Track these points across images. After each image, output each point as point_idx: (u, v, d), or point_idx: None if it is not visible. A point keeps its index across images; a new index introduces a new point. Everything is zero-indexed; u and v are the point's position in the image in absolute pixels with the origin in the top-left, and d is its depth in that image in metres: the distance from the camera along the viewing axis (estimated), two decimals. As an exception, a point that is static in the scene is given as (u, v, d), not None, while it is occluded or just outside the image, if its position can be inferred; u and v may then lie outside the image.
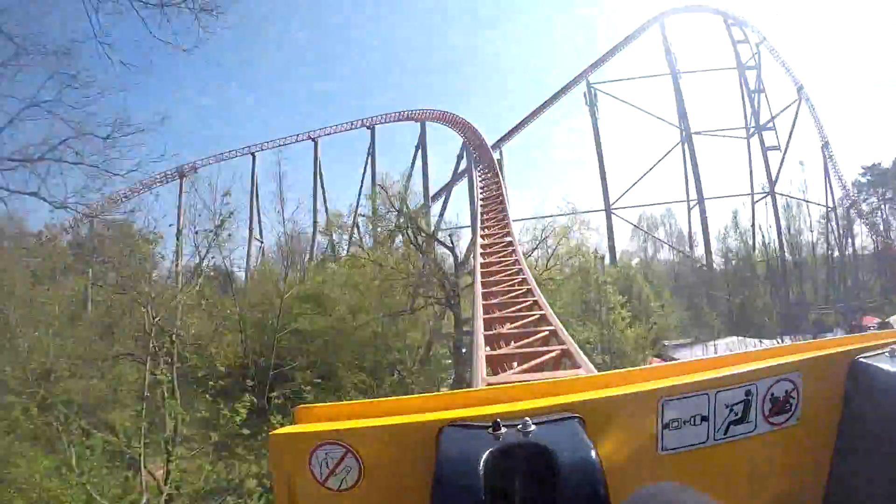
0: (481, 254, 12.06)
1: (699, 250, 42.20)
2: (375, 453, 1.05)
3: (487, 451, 0.88)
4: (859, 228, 41.22)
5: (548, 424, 0.94)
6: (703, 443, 1.09)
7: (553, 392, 1.12)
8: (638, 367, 1.21)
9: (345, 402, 1.18)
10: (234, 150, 40.94)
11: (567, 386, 1.16)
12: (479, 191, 22.55)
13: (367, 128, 42.64)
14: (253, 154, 41.19)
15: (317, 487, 1.05)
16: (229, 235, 19.31)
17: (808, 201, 40.10)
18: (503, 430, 0.92)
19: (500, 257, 11.36)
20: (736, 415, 1.10)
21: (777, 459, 1.16)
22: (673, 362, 1.21)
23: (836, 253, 40.61)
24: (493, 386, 1.77)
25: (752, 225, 40.85)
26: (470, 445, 0.91)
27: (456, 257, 22.74)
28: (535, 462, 0.87)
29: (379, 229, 26.61)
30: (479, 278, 8.95)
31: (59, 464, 10.68)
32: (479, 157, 30.85)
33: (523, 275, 8.82)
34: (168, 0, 8.40)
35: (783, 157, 40.24)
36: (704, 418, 1.08)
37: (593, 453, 0.88)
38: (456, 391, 1.22)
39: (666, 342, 31.86)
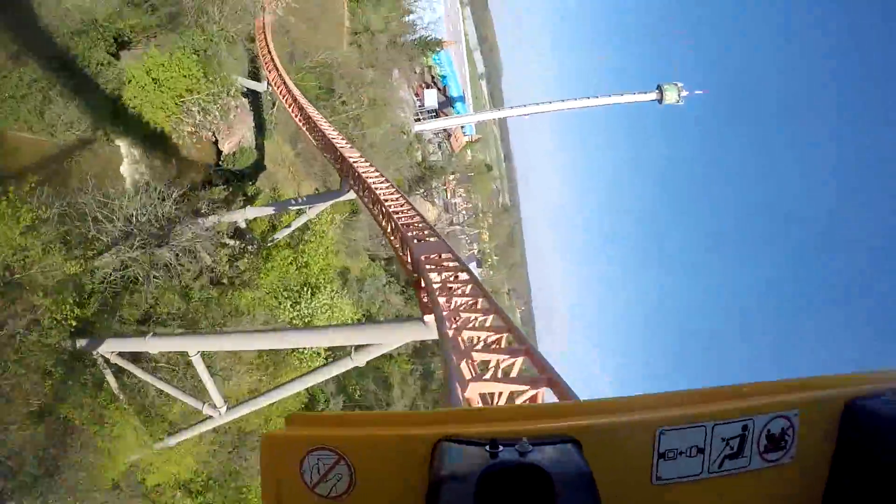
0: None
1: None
2: (368, 462, 1.05)
3: (484, 469, 0.88)
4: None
5: (545, 446, 0.95)
6: (697, 475, 1.09)
7: (551, 414, 1.11)
8: (636, 395, 1.19)
9: (339, 412, 1.50)
10: None
11: (565, 409, 1.16)
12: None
13: None
14: None
15: (306, 492, 1.06)
16: None
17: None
18: (500, 448, 0.92)
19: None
20: (731, 449, 1.11)
21: (769, 497, 1.16)
22: (672, 392, 1.20)
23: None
24: (490, 407, 1.54)
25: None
26: (466, 461, 0.92)
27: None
28: (531, 483, 0.87)
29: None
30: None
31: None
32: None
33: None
34: None
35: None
36: (700, 450, 1.09)
37: (590, 477, 0.89)
38: (453, 409, 1.18)
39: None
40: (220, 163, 32.02)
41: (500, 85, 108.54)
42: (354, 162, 16.86)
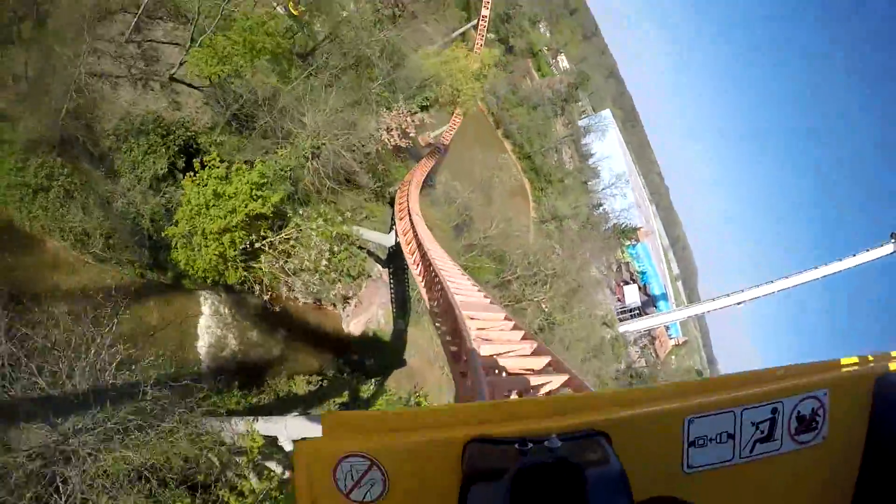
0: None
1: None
2: (401, 467, 1.06)
3: (514, 468, 0.87)
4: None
5: (574, 441, 0.95)
6: (729, 461, 1.09)
7: (578, 407, 1.12)
8: (662, 384, 1.18)
9: (371, 411, 1.17)
10: None
11: (591, 401, 1.16)
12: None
13: None
14: None
15: (341, 499, 1.07)
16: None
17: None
18: (530, 445, 0.92)
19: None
20: (762, 433, 1.10)
21: (803, 478, 1.13)
22: (698, 379, 1.10)
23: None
24: (517, 399, 1.48)
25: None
26: (496, 461, 0.91)
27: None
28: (562, 479, 0.85)
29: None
30: None
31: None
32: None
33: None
34: None
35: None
36: (730, 436, 1.08)
37: (621, 470, 0.87)
38: (481, 403, 1.15)
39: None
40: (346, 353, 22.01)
41: (697, 286, 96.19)
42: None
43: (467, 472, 0.93)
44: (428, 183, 38.79)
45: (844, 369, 1.19)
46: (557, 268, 36.66)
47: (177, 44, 21.15)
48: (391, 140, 29.45)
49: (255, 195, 15.52)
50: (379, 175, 29.50)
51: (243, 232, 16.03)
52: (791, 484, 1.13)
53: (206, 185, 15.25)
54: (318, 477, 1.07)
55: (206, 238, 15.60)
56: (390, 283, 27.63)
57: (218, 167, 15.48)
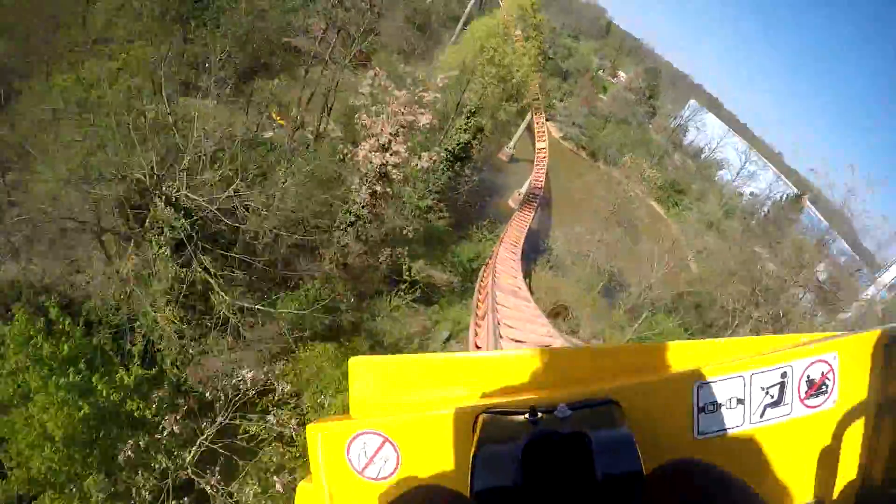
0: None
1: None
2: (413, 442, 1.09)
3: (524, 438, 0.89)
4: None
5: (583, 409, 0.96)
6: (740, 426, 1.10)
7: (587, 372, 1.15)
8: (671, 342, 1.18)
9: (396, 356, 1.20)
10: None
11: (600, 362, 1.17)
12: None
13: None
14: None
15: (354, 477, 1.10)
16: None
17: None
18: (539, 415, 0.94)
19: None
20: (772, 397, 1.10)
21: (814, 443, 1.15)
22: (707, 340, 1.19)
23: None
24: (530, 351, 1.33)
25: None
26: (507, 432, 0.93)
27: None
28: (571, 448, 0.88)
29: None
30: None
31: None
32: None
33: None
34: None
35: None
36: (740, 401, 1.09)
37: (629, 435, 0.89)
38: (496, 354, 1.21)
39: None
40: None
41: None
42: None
43: (478, 445, 0.92)
44: (538, 249, 29.50)
45: (854, 333, 1.15)
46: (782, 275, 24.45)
47: None
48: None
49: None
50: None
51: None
52: (803, 448, 1.13)
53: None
54: (331, 456, 1.10)
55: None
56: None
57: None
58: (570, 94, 57.21)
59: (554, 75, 56.69)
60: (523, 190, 37.46)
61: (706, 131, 67.43)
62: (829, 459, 1.14)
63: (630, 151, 54.37)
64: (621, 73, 71.88)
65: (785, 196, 55.20)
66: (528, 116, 43.59)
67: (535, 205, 33.92)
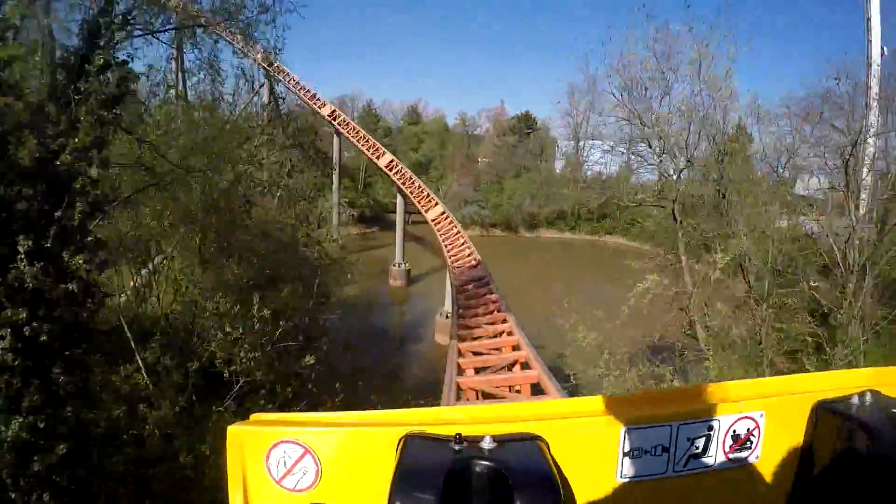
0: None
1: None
2: (335, 456, 1.07)
3: (448, 463, 0.90)
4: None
5: (509, 443, 0.98)
6: (663, 473, 1.11)
7: (518, 416, 1.15)
8: (603, 395, 1.20)
9: (304, 413, 1.19)
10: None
11: (532, 409, 1.20)
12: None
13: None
14: None
15: (272, 486, 1.08)
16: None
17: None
18: (465, 444, 0.95)
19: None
20: (697, 448, 1.12)
21: (735, 495, 1.18)
22: (638, 391, 1.38)
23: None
24: (458, 406, 1.75)
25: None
26: (431, 456, 0.94)
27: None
28: (493, 478, 0.89)
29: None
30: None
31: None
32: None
33: None
34: None
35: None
36: (665, 449, 1.11)
37: (551, 473, 0.90)
38: (422, 409, 1.19)
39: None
40: None
41: None
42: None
43: (401, 465, 0.93)
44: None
45: (784, 393, 1.19)
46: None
47: None
48: None
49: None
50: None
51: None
52: (722, 500, 1.16)
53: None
54: (250, 463, 1.08)
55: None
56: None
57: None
58: (438, 178, 45.35)
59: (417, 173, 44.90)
60: (447, 303, 22.23)
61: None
62: None
63: (546, 199, 42.28)
64: (485, 125, 60.52)
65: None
66: (399, 203, 31.54)
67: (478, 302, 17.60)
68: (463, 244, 23.26)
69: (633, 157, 19.92)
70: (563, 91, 55.10)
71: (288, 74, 36.61)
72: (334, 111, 36.45)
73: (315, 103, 36.37)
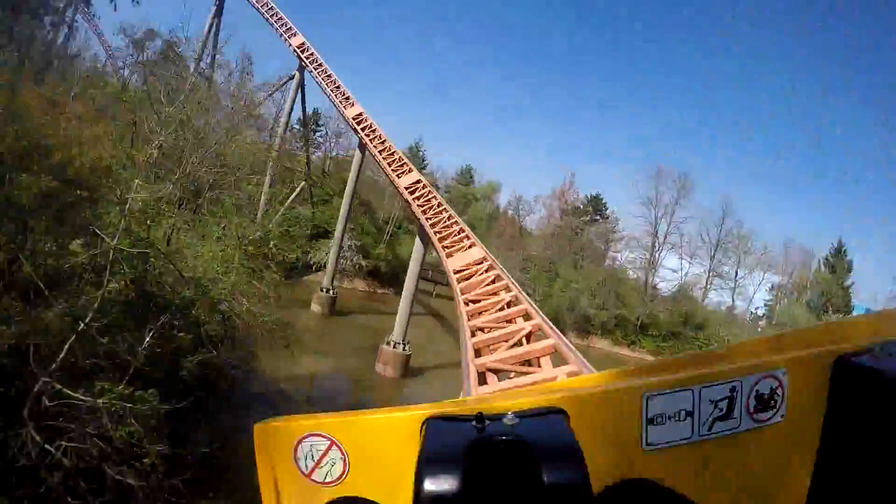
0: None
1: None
2: (360, 445, 1.09)
3: (470, 441, 0.90)
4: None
5: (531, 418, 0.98)
6: (688, 438, 1.11)
7: (540, 392, 1.15)
8: (623, 367, 1.23)
9: (325, 413, 1.19)
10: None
11: (553, 386, 1.23)
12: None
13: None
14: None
15: (302, 480, 1.10)
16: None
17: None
18: (487, 422, 0.94)
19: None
20: (721, 411, 1.11)
21: (761, 456, 1.17)
22: (658, 359, 1.25)
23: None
24: (478, 396, 1.22)
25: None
26: (453, 436, 0.94)
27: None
28: (518, 451, 0.88)
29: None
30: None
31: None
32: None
33: None
34: None
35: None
36: (689, 414, 1.10)
37: (576, 444, 0.91)
38: (444, 401, 1.19)
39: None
40: None
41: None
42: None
43: (424, 448, 0.92)
44: None
45: (803, 349, 1.17)
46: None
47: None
48: None
49: None
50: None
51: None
52: (750, 462, 1.14)
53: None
54: (278, 459, 1.10)
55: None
56: None
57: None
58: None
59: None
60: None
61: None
62: (776, 473, 1.18)
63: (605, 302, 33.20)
64: (538, 213, 52.59)
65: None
66: (416, 248, 23.55)
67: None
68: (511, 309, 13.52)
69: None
70: (646, 174, 47.91)
71: (321, 65, 30.81)
72: (361, 114, 28.90)
73: (342, 103, 29.69)
